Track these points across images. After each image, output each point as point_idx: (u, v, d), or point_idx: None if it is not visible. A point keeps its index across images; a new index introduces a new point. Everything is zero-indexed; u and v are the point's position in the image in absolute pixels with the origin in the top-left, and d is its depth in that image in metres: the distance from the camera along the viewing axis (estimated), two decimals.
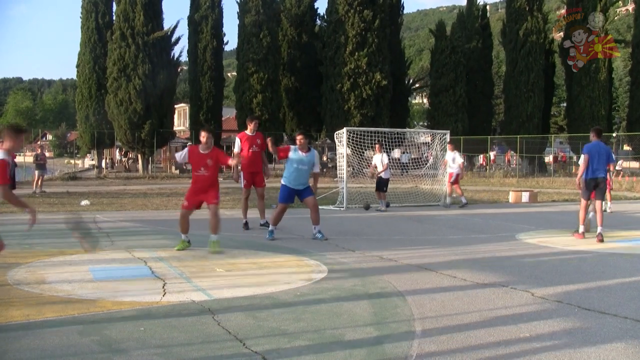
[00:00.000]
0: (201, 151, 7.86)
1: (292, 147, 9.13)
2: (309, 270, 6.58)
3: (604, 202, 11.16)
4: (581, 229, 9.42)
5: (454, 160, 15.19)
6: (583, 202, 9.47)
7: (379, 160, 14.19)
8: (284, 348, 3.87)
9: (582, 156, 9.43)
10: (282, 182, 9.14)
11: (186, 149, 8.15)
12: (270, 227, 9.04)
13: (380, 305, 5.04)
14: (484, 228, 10.91)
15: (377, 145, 14.56)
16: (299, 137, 9.08)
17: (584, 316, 4.74)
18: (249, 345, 3.89)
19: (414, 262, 7.08)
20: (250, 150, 9.81)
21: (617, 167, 28.44)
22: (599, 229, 9.15)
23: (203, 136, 7.92)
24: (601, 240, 8.91)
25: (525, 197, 17.36)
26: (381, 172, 14.08)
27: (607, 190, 10.62)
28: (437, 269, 6.63)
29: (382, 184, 14.21)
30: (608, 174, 9.83)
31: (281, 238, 8.97)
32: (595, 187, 9.33)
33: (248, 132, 9.99)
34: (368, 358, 3.73)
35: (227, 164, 8.33)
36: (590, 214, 9.82)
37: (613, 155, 10.06)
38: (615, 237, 9.66)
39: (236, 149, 9.98)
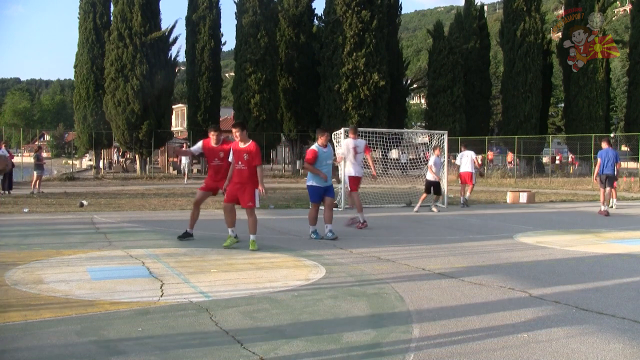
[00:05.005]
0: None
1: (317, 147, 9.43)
2: (306, 270, 6.58)
3: (611, 199, 15.01)
4: (602, 207, 13.60)
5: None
6: (601, 189, 13.92)
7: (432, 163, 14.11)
8: (281, 349, 3.87)
9: (598, 159, 14.07)
10: (312, 183, 9.51)
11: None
12: (312, 229, 9.29)
13: (378, 305, 5.04)
14: (481, 228, 10.92)
15: (437, 150, 14.55)
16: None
17: (581, 316, 4.75)
18: (247, 346, 3.89)
19: (412, 263, 7.08)
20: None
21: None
22: (610, 203, 14.26)
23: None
24: (607, 214, 13.25)
25: (523, 197, 17.37)
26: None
27: (614, 188, 14.49)
28: (435, 270, 6.64)
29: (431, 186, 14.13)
30: (616, 170, 14.03)
31: (278, 238, 8.97)
32: (606, 179, 13.82)
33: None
34: (366, 358, 3.73)
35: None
36: (602, 207, 13.63)
37: (619, 157, 14.51)
38: (613, 237, 9.69)
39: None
